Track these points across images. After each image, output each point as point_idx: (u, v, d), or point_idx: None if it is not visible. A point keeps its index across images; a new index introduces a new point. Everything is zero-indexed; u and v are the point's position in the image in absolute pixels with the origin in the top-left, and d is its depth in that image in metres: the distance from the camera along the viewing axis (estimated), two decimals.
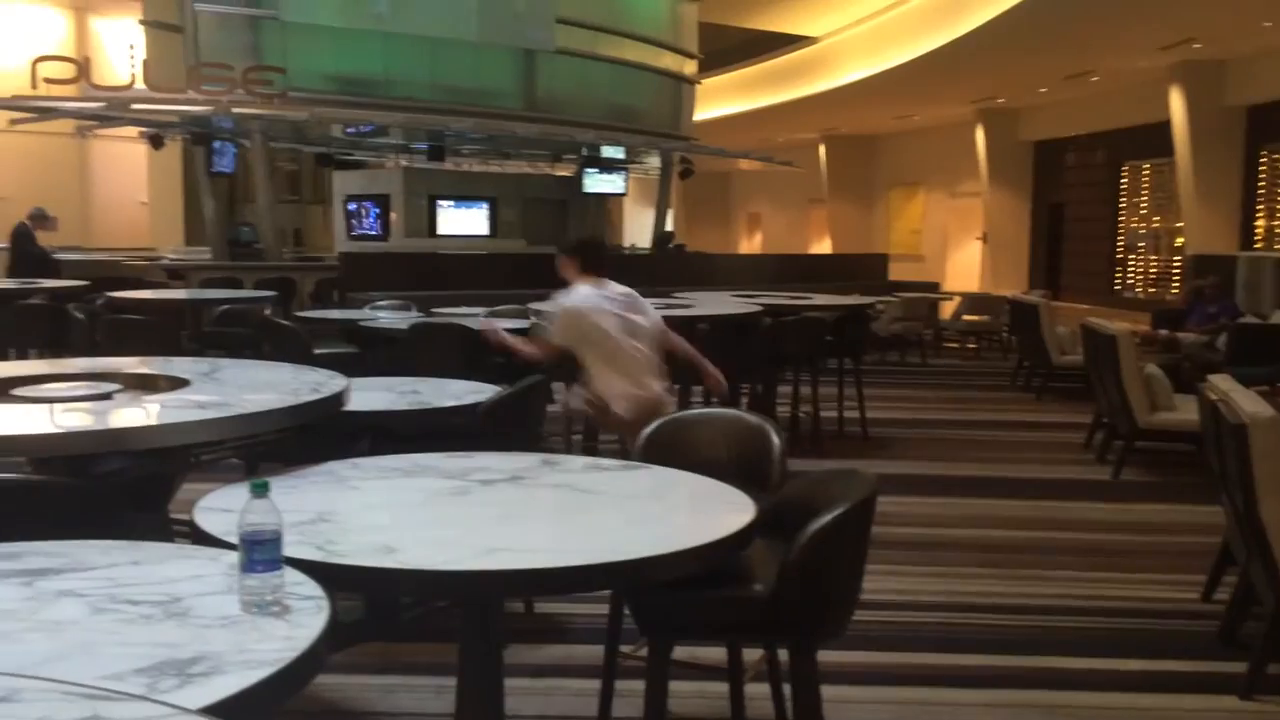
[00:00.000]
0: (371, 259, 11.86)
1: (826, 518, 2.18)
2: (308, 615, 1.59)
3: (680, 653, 2.51)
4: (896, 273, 16.95)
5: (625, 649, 2.94)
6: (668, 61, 16.55)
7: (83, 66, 11.68)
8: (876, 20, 17.48)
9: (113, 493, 2.77)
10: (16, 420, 2.77)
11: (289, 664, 1.43)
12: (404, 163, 16.12)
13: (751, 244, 29.02)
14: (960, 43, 14.11)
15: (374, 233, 15.15)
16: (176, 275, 11.66)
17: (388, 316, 6.71)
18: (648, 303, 4.66)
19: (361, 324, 6.48)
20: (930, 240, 22.55)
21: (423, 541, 2.08)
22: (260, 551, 1.66)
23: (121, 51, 14.47)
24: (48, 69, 11.36)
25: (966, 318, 13.64)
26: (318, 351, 5.84)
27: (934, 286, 16.08)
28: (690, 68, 17.36)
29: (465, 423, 3.55)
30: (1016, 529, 5.38)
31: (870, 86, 17.52)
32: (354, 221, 15.48)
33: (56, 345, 6.99)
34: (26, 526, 2.06)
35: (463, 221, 15.13)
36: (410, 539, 2.07)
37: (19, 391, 2.94)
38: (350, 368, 3.68)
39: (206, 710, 1.23)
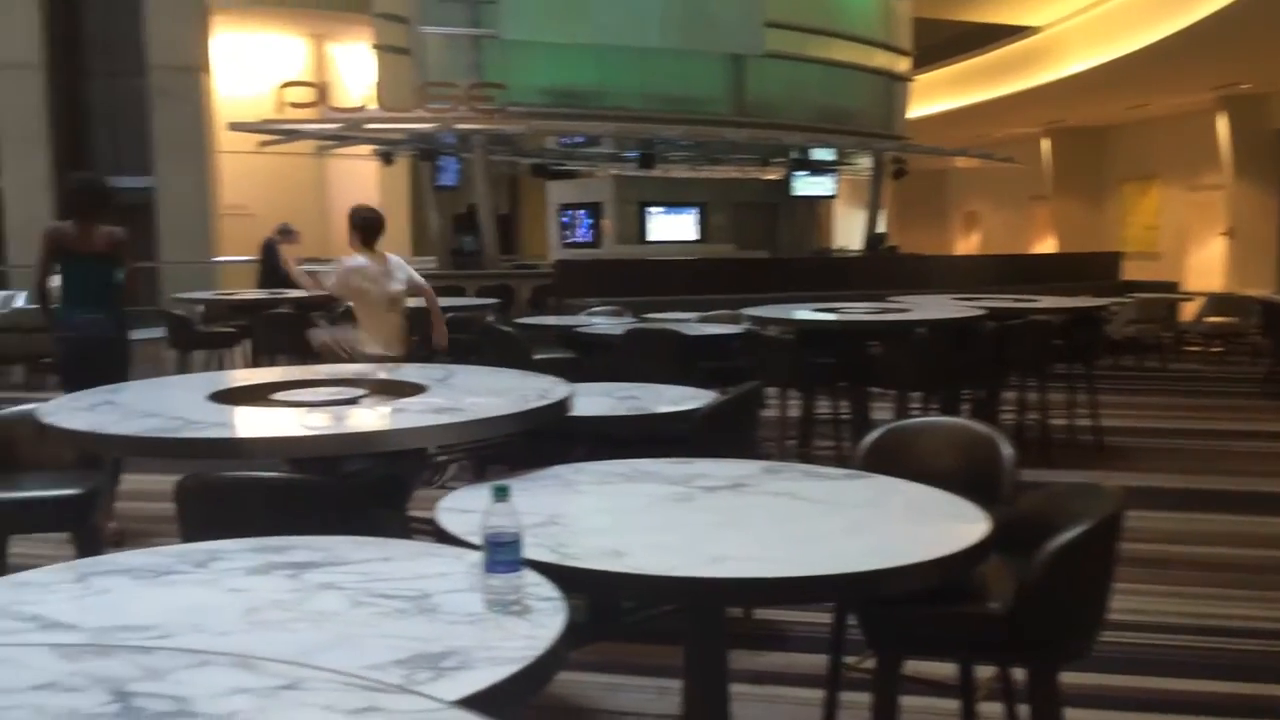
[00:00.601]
0: (585, 266, 12.18)
1: (1070, 534, 2.09)
2: (547, 615, 1.65)
3: (907, 666, 2.45)
4: (1130, 272, 16.01)
5: (849, 660, 2.90)
6: (880, 60, 16.23)
7: (322, 90, 12.54)
8: (1104, 7, 16.57)
9: (360, 491, 2.96)
10: (277, 424, 3.00)
11: (533, 662, 1.49)
12: (615, 171, 16.48)
13: (968, 244, 28.04)
14: (1201, 26, 13.19)
15: (587, 240, 15.55)
16: None
17: (603, 322, 6.86)
18: (406, 269, 5.81)
19: (578, 330, 6.65)
20: (1167, 237, 21.17)
21: (649, 546, 2.12)
22: (502, 553, 1.73)
23: (356, 75, 15.47)
24: (292, 94, 12.27)
25: (1211, 319, 12.72)
26: (536, 357, 6.03)
27: (1172, 286, 15.08)
28: (903, 65, 16.97)
29: (682, 428, 3.59)
30: (1267, 548, 4.99)
31: (1099, 76, 16.63)
32: (567, 230, 15.94)
33: (303, 351, 7.50)
34: (288, 521, 2.23)
35: (673, 227, 15.32)
36: (637, 544, 2.11)
37: (277, 396, 3.18)
38: (567, 373, 3.79)
39: (459, 703, 1.29)
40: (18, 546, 3.44)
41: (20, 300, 10.22)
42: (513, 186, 18.90)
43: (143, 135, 13.46)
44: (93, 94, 13.75)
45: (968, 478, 2.65)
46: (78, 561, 1.99)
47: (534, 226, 18.82)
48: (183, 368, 8.38)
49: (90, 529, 3.34)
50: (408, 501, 3.39)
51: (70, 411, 2.95)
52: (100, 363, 5.02)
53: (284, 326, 7.84)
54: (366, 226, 5.64)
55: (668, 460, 2.76)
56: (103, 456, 3.46)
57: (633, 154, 15.33)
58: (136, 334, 10.94)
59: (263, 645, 1.50)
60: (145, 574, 1.88)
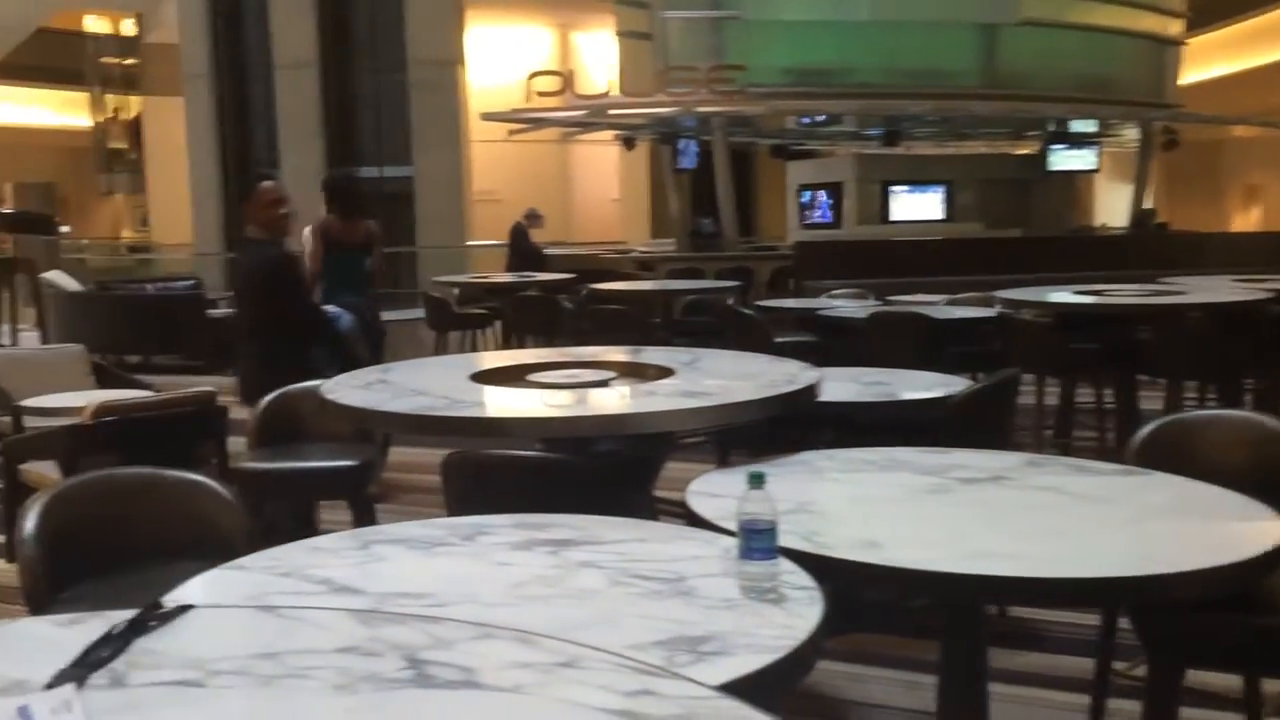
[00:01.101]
0: (825, 247, 12.02)
1: None
2: (804, 605, 1.63)
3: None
4: None
5: (1119, 665, 2.73)
6: (1148, 23, 15.10)
7: (568, 79, 12.92)
8: None
9: (611, 471, 3.04)
10: (533, 404, 3.12)
11: (792, 651, 1.47)
12: (856, 149, 16.15)
13: (1247, 221, 25.74)
14: None
15: (826, 221, 15.32)
16: (646, 266, 12.55)
17: (845, 305, 6.74)
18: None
19: (819, 313, 6.56)
20: None
21: (905, 539, 2.06)
22: (758, 540, 1.72)
23: (600, 62, 15.83)
24: (539, 83, 12.70)
25: None
26: (777, 340, 6.00)
27: None
28: (1175, 28, 15.72)
29: (934, 416, 3.47)
30: None
31: None
32: (806, 210, 15.75)
33: (550, 332, 7.79)
34: (543, 498, 2.31)
35: (917, 207, 14.86)
36: (892, 535, 2.06)
37: (533, 378, 3.30)
38: (809, 357, 3.74)
39: (720, 689, 1.30)
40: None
41: None
42: (750, 167, 18.87)
43: (403, 127, 14.29)
44: (359, 89, 14.72)
45: (1257, 478, 2.43)
46: (360, 530, 2.14)
47: (772, 207, 18.74)
48: (440, 347, 8.87)
49: (365, 497, 3.60)
50: (654, 482, 3.45)
51: (349, 389, 3.17)
52: (357, 340, 5.49)
53: (533, 308, 8.15)
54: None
55: (921, 449, 2.68)
56: (375, 430, 3.70)
57: (875, 131, 14.96)
58: (400, 315, 11.66)
59: (529, 619, 1.56)
60: (419, 544, 2.00)
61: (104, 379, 5.84)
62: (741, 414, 2.91)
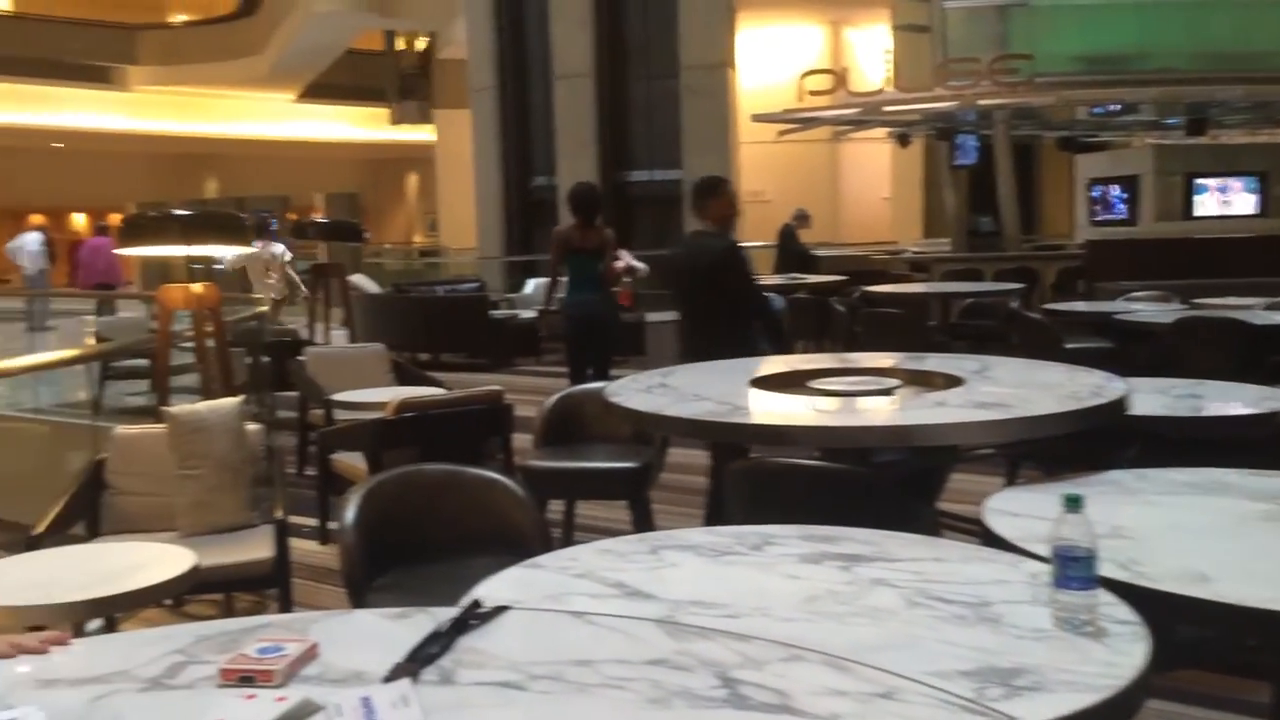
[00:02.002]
0: (1119, 246, 11.21)
1: None
2: (1127, 641, 1.51)
3: None
4: None
5: None
6: None
7: (840, 76, 12.72)
8: None
9: (896, 483, 2.95)
10: (816, 412, 3.07)
11: (1119, 692, 1.36)
12: (1154, 140, 14.97)
13: None
14: None
15: (1120, 217, 14.28)
16: (918, 268, 12.16)
17: (1147, 309, 6.25)
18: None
19: (1116, 317, 6.12)
20: None
21: (1235, 572, 1.86)
22: (1075, 568, 1.60)
23: (873, 59, 15.50)
24: (812, 82, 12.57)
25: None
26: (1068, 346, 5.64)
27: None
28: None
29: (1259, 435, 3.15)
30: None
31: None
32: (1097, 206, 14.75)
33: (820, 336, 7.68)
34: (825, 508, 2.25)
35: (1226, 201, 13.59)
36: (1220, 567, 1.87)
37: (814, 384, 3.25)
38: (1108, 365, 3.47)
39: None
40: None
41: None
42: (1033, 161, 17.90)
43: (674, 131, 14.52)
44: (632, 96, 15.09)
45: None
46: (649, 535, 2.17)
47: (1056, 204, 17.70)
48: None
49: (644, 498, 3.66)
50: (940, 495, 3.32)
51: (632, 392, 3.23)
52: (596, 334, 6.27)
53: (803, 311, 8.06)
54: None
55: (1246, 471, 2.43)
56: (654, 434, 3.77)
57: (1175, 120, 13.80)
58: (666, 316, 11.82)
59: (824, 636, 1.52)
60: (707, 551, 2.00)
61: (402, 376, 6.27)
62: (1042, 428, 2.74)
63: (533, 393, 7.53)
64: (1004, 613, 1.63)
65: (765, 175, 17.03)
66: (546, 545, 2.47)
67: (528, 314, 10.96)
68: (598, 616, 1.36)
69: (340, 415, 5.45)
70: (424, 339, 10.46)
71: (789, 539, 2.04)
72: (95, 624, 3.48)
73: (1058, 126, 14.98)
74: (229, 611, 4.14)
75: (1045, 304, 7.63)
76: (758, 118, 14.23)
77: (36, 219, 24.03)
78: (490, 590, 1.78)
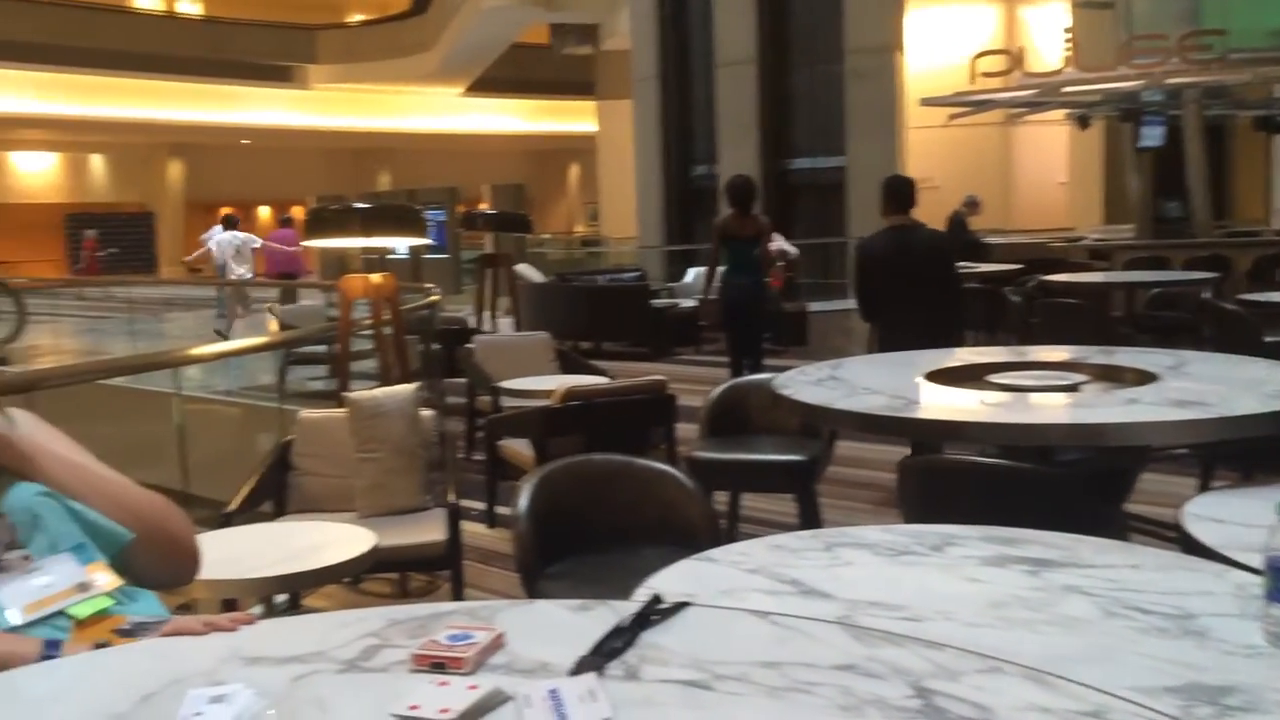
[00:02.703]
0: None
1: None
2: None
3: None
4: None
5: None
6: None
7: (1016, 57, 12.23)
8: None
9: (1082, 484, 2.80)
10: (995, 407, 2.95)
11: None
12: None
13: None
14: None
15: None
16: (1099, 255, 11.59)
17: None
18: None
19: None
20: None
21: None
22: None
23: (1050, 38, 14.84)
24: (985, 63, 12.13)
25: None
26: (1268, 339, 5.28)
27: None
28: None
29: None
30: None
31: None
32: None
33: (993, 327, 7.41)
34: (1004, 508, 2.16)
35: None
36: None
37: (993, 379, 3.13)
38: None
39: None
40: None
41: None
42: (1225, 142, 16.82)
43: (837, 118, 14.28)
44: (795, 82, 14.92)
45: None
46: (822, 531, 2.12)
47: (1251, 188, 16.60)
48: (874, 340, 8.74)
49: (811, 493, 3.61)
50: (1128, 497, 3.15)
51: (801, 384, 3.18)
52: (748, 313, 6.79)
53: (975, 301, 7.79)
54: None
55: None
56: (822, 426, 3.70)
57: None
58: (829, 305, 11.69)
59: (1012, 645, 1.45)
60: (884, 550, 1.94)
61: (566, 364, 6.36)
62: (1245, 429, 2.56)
63: (693, 382, 7.54)
64: (1210, 626, 1.53)
65: (933, 161, 16.53)
66: (715, 538, 2.45)
67: (688, 303, 10.97)
68: (780, 617, 1.33)
69: (507, 402, 5.57)
70: (586, 327, 10.60)
71: (970, 540, 1.96)
72: (281, 598, 3.66)
73: (1253, 105, 14.04)
74: (403, 590, 4.30)
75: (1240, 294, 7.14)
76: (927, 101, 13.83)
77: (224, 213, 25.49)
78: (662, 583, 1.78)
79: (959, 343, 4.88)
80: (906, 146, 14.48)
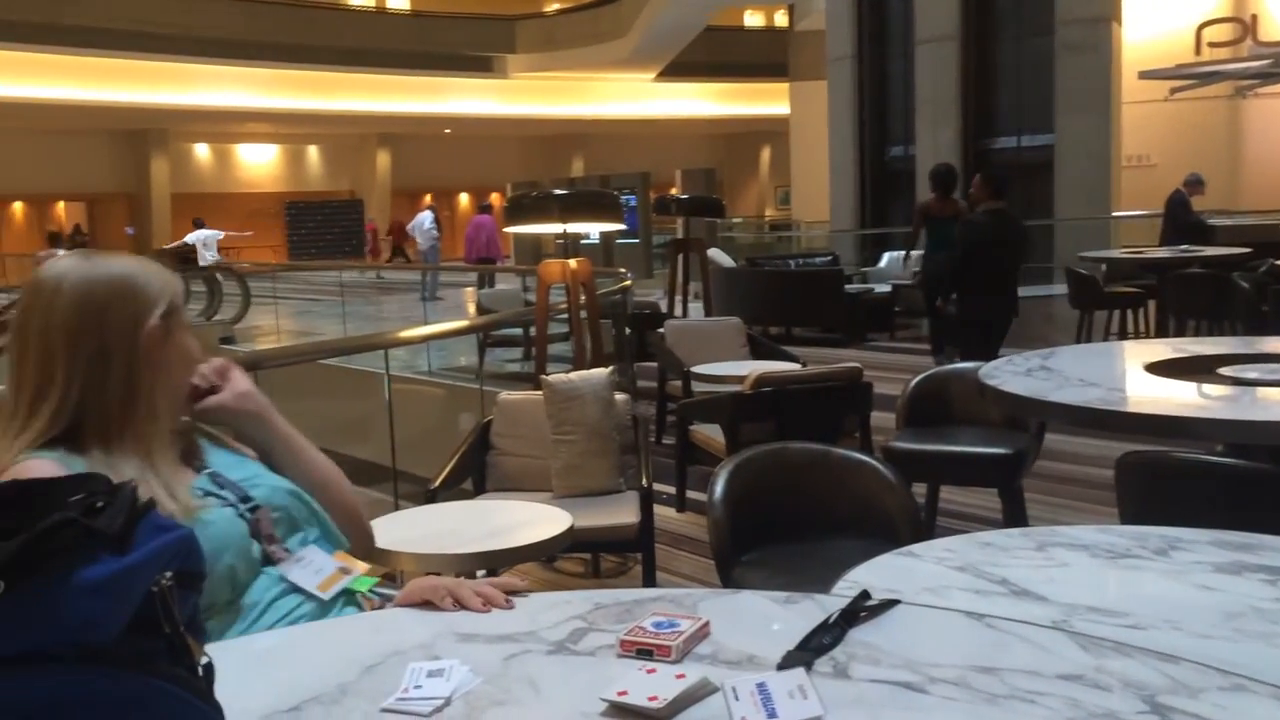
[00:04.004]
0: None
1: None
2: None
3: None
4: None
5: None
6: None
7: (1249, 25, 11.35)
8: None
9: None
10: (1223, 402, 2.75)
11: None
12: None
13: None
14: None
15: None
16: None
17: None
18: None
19: None
20: None
21: None
22: None
23: None
24: (1212, 33, 11.31)
25: None
26: None
27: None
28: None
29: None
30: None
31: None
32: None
33: (1218, 315, 6.92)
34: (1234, 511, 2.01)
35: None
36: None
37: (1223, 371, 2.91)
38: None
39: None
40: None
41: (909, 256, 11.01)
42: None
43: (1046, 94, 13.62)
44: (1001, 58, 14.30)
45: None
46: (1033, 530, 2.02)
47: None
48: (1083, 328, 8.33)
49: (1016, 488, 3.46)
50: None
51: (1009, 375, 3.04)
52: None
53: (1198, 287, 7.30)
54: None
55: None
56: (1029, 419, 3.54)
57: None
58: (1033, 291, 11.18)
59: (1250, 660, 1.34)
60: (1102, 552, 1.83)
61: (757, 349, 6.32)
62: None
63: (887, 369, 7.37)
64: None
65: (1150, 137, 15.60)
66: (916, 532, 2.38)
67: (883, 288, 10.72)
68: (997, 620, 1.27)
69: (698, 387, 5.58)
70: (776, 312, 10.51)
71: (1199, 544, 1.83)
72: (479, 574, 3.79)
73: None
74: (595, 570, 4.38)
75: None
76: (1145, 74, 13.03)
77: (428, 199, 26.56)
78: (864, 577, 1.73)
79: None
80: (1121, 123, 13.68)
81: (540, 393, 4.04)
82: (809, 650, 1.13)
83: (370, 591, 1.50)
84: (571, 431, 3.87)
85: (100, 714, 0.65)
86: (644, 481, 3.68)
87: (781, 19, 26.07)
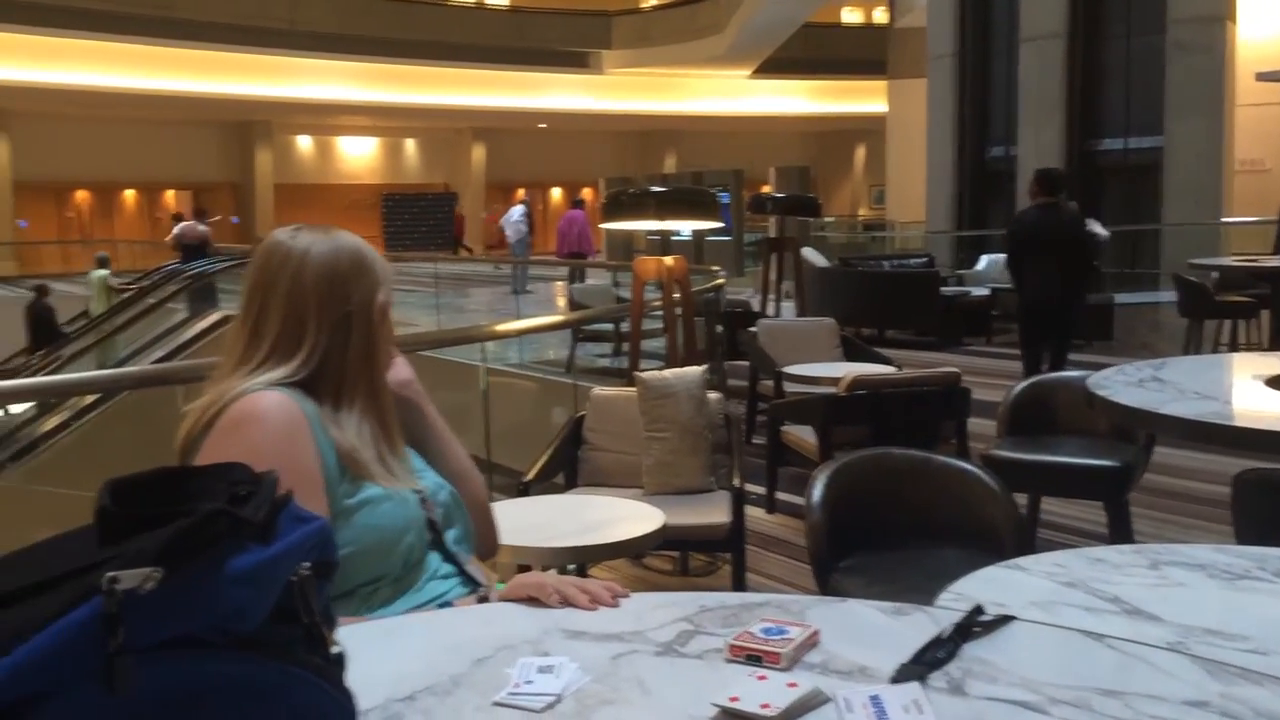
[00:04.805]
0: None
1: None
2: None
3: None
4: None
5: None
6: None
7: None
8: None
9: None
10: None
11: None
12: None
13: None
14: None
15: None
16: None
17: None
18: None
19: None
20: None
21: None
22: None
23: None
24: None
25: None
26: None
27: None
28: None
29: None
30: None
31: None
32: None
33: None
34: None
35: None
36: None
37: None
38: None
39: None
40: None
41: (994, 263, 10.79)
42: None
43: (1155, 94, 13.20)
44: (1108, 57, 13.89)
45: None
46: (1146, 546, 1.96)
47: None
48: (1192, 338, 8.06)
49: (1123, 502, 3.36)
50: None
51: (1119, 385, 2.96)
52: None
53: None
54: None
55: None
56: (1138, 431, 3.43)
57: None
58: (1137, 298, 10.88)
59: None
60: (1220, 573, 1.77)
61: (850, 351, 6.25)
62: None
63: (984, 375, 7.23)
64: None
65: (1265, 141, 15.00)
66: (1020, 544, 2.32)
67: (980, 291, 10.52)
68: (1118, 641, 1.23)
69: (790, 387, 5.54)
70: (869, 314, 10.37)
71: None
72: (569, 569, 3.82)
73: None
74: (683, 569, 4.37)
75: None
76: (1263, 76, 12.54)
77: (520, 194, 26.82)
78: (968, 588, 1.70)
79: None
80: (1234, 126, 13.19)
81: (633, 389, 4.05)
82: (923, 664, 1.11)
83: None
84: (664, 429, 3.87)
85: (245, 700, 0.67)
86: (736, 481, 3.67)
87: (880, 15, 25.73)
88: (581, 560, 3.27)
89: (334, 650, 0.75)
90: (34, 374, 10.84)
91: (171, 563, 0.61)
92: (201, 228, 16.59)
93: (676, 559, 4.40)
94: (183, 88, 23.05)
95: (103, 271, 15.29)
